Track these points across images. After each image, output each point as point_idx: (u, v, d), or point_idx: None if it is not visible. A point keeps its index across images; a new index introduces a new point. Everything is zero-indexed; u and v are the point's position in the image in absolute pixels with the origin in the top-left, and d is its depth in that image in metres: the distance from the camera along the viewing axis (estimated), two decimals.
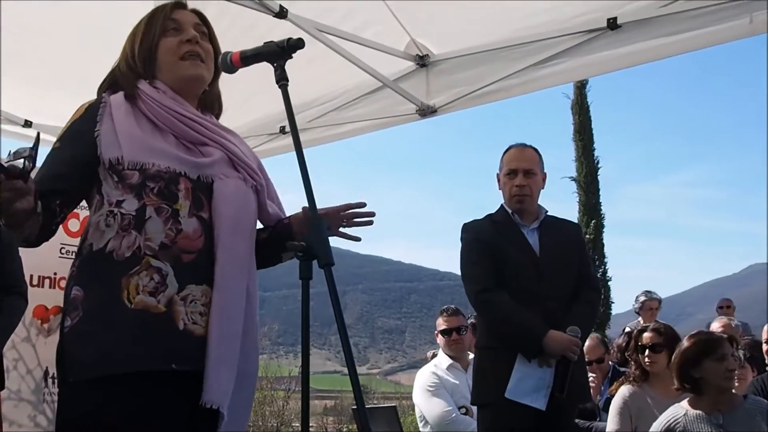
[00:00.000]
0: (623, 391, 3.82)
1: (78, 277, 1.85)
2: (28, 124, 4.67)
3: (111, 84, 2.03)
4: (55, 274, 4.61)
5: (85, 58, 3.77)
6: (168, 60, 1.99)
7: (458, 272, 3.41)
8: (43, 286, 4.58)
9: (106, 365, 1.74)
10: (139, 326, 1.76)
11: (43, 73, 4.12)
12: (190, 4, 2.14)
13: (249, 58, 1.96)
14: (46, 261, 4.04)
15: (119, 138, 1.85)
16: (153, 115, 1.92)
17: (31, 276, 4.21)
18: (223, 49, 2.09)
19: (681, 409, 3.21)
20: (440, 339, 4.63)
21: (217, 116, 2.16)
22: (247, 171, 2.00)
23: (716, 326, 5.42)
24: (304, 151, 1.88)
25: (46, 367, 4.52)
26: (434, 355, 5.02)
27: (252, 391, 1.99)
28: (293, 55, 1.92)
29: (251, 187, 2.01)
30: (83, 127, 1.90)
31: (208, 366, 1.79)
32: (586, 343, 4.69)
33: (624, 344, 5.23)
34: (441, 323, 4.64)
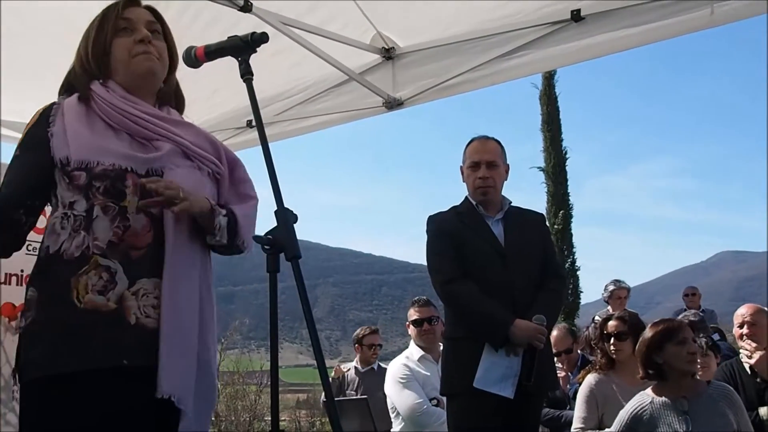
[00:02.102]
0: (590, 379, 3.87)
1: (34, 279, 1.92)
2: None
3: (68, 87, 2.05)
4: (21, 271, 4.55)
5: (50, 56, 3.73)
6: (121, 59, 2.00)
7: None
8: (10, 284, 4.51)
9: (53, 364, 1.77)
10: (88, 325, 1.79)
11: (9, 70, 4.06)
12: None
13: (213, 52, 1.97)
14: (13, 258, 3.97)
15: (68, 138, 1.88)
16: (105, 115, 1.94)
17: None
18: (187, 44, 2.09)
19: (647, 396, 3.26)
20: (412, 330, 4.66)
21: (180, 108, 2.17)
22: (200, 159, 2.00)
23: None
24: (271, 144, 1.89)
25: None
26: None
27: (214, 377, 2.00)
28: (258, 49, 1.92)
29: (207, 174, 2.01)
30: (39, 133, 1.93)
31: (160, 358, 1.80)
32: (554, 334, 4.76)
33: (592, 334, 5.32)
34: (412, 314, 4.67)
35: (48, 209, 2.01)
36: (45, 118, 1.94)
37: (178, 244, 1.90)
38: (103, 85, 1.98)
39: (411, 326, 4.67)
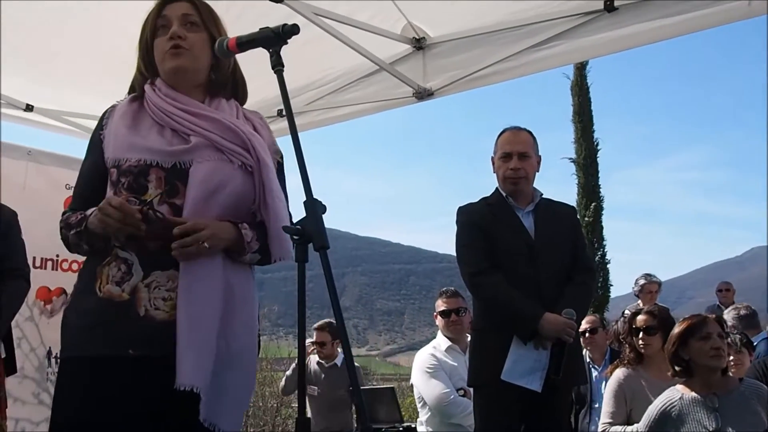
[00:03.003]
0: (618, 373, 3.84)
1: (80, 268, 2.08)
2: (29, 108, 4.69)
3: (131, 88, 2.18)
4: (57, 256, 4.65)
5: (84, 46, 3.79)
6: (157, 59, 2.10)
7: None
8: (45, 268, 4.62)
9: (74, 348, 1.92)
10: (102, 313, 1.90)
11: (43, 58, 4.13)
12: None
13: (245, 43, 1.98)
14: (49, 244, 4.07)
15: (111, 139, 2.02)
16: (152, 113, 2.05)
17: (34, 258, 4.25)
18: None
19: (676, 392, 3.23)
20: (439, 320, 4.66)
21: (239, 94, 2.22)
22: (230, 153, 2.02)
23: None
24: (301, 134, 1.90)
25: (49, 347, 4.58)
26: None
27: (246, 371, 2.02)
28: (288, 41, 1.93)
29: (238, 167, 2.02)
30: (95, 136, 2.09)
31: (177, 350, 1.84)
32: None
33: (621, 328, 5.29)
34: (440, 305, 4.66)
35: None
36: (101, 121, 2.10)
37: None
38: (150, 84, 2.10)
39: (438, 317, 4.67)
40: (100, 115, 2.14)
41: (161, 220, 1.88)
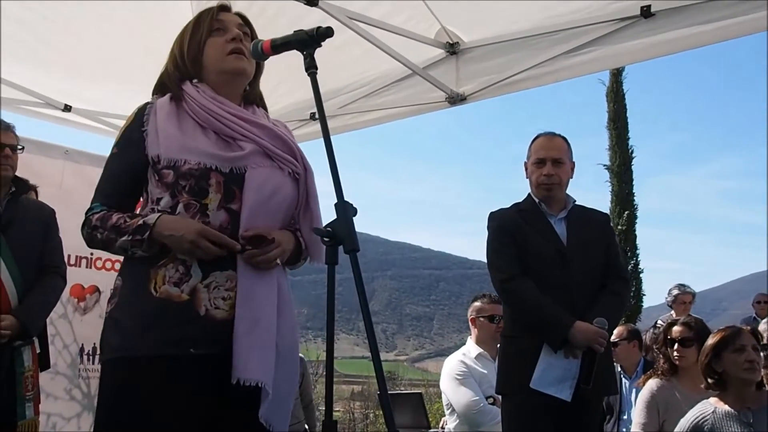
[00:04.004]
0: (651, 384, 3.79)
1: (122, 268, 2.05)
2: (67, 108, 4.78)
3: (161, 87, 2.16)
4: (91, 254, 4.72)
5: (121, 46, 3.85)
6: (214, 57, 2.11)
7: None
8: (80, 266, 4.69)
9: (130, 348, 1.89)
10: (160, 314, 1.89)
11: (82, 60, 4.21)
12: None
13: (279, 46, 2.00)
14: (84, 242, 4.14)
15: (159, 137, 1.99)
16: (194, 114, 2.04)
17: (69, 256, 4.32)
18: (254, 38, 2.15)
19: (709, 405, 3.17)
20: (479, 324, 4.53)
21: (262, 108, 2.26)
22: (281, 160, 2.07)
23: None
24: (333, 137, 1.91)
25: (82, 344, 4.65)
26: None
27: (292, 371, 2.06)
28: (322, 43, 1.94)
29: (288, 174, 2.07)
30: (134, 133, 2.05)
31: (235, 346, 1.88)
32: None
33: (653, 339, 5.21)
34: (486, 309, 4.50)
35: None
36: (140, 117, 2.06)
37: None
38: (193, 85, 2.09)
39: (479, 320, 4.55)
40: (132, 112, 2.11)
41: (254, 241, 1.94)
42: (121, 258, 2.07)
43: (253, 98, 2.23)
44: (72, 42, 4.05)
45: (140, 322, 1.90)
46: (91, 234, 2.02)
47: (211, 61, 2.10)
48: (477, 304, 4.59)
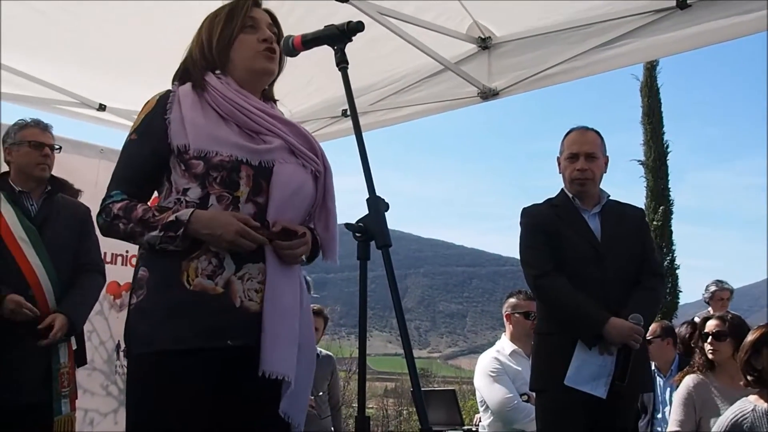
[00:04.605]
0: (687, 381, 3.73)
1: (146, 258, 1.99)
2: (102, 107, 4.85)
3: (183, 74, 2.14)
4: (126, 251, 4.78)
5: (155, 45, 3.88)
6: (245, 54, 2.09)
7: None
8: (116, 263, 4.76)
9: (164, 341, 1.87)
10: (196, 307, 1.88)
11: (116, 59, 4.26)
12: None
13: (310, 41, 2.00)
14: (119, 241, 4.21)
15: (186, 127, 1.96)
16: (217, 106, 2.01)
17: (105, 254, 4.37)
18: (286, 32, 2.15)
19: (749, 403, 3.10)
20: (514, 320, 4.49)
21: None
22: (305, 157, 2.07)
23: None
24: (365, 134, 1.91)
25: (118, 341, 4.71)
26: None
27: (310, 365, 2.07)
28: (353, 38, 1.94)
29: (310, 172, 2.08)
30: (156, 120, 2.01)
31: (264, 339, 1.89)
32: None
33: (687, 335, 5.13)
34: (522, 305, 4.47)
35: None
36: (162, 105, 2.02)
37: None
38: (217, 76, 2.07)
39: (515, 317, 4.50)
40: (152, 99, 2.07)
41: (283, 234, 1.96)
42: None
43: (271, 95, 2.24)
44: (106, 41, 4.10)
45: (174, 315, 1.88)
46: (111, 223, 1.97)
47: (241, 57, 2.09)
48: (512, 300, 4.55)
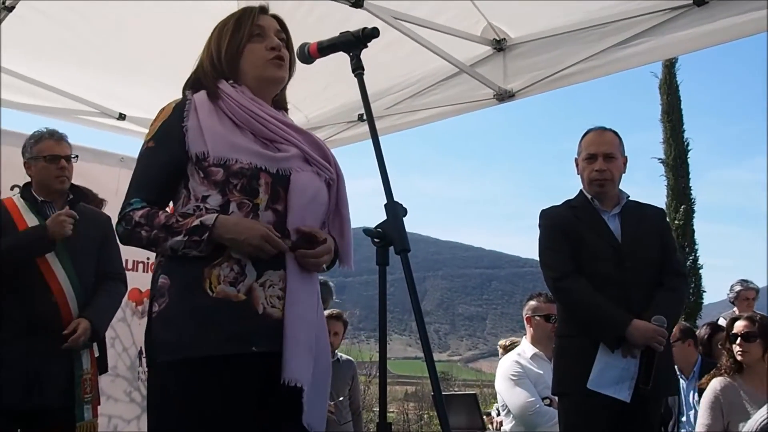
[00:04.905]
0: (715, 384, 3.67)
1: (165, 266, 1.99)
2: (122, 117, 4.90)
3: (194, 83, 2.14)
4: (147, 258, 4.82)
5: (174, 54, 3.92)
6: (254, 63, 2.09)
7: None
8: (137, 271, 4.79)
9: (189, 348, 1.87)
10: (220, 314, 1.88)
11: (135, 69, 4.30)
12: None
13: (325, 48, 2.01)
14: (139, 247, 4.24)
15: (204, 134, 1.96)
16: (232, 114, 2.01)
17: (126, 261, 4.41)
18: (302, 38, 2.15)
19: None
20: (535, 323, 4.46)
21: (286, 113, 2.26)
22: (319, 166, 2.08)
23: None
24: (382, 137, 1.92)
25: (141, 347, 4.74)
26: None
27: (327, 371, 2.07)
28: (369, 44, 1.94)
29: (324, 180, 2.09)
30: (173, 127, 2.01)
31: (285, 347, 1.89)
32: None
33: (706, 336, 5.06)
34: (543, 308, 4.43)
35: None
36: (179, 112, 2.02)
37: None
38: (231, 85, 2.07)
39: (535, 319, 4.46)
40: (168, 106, 2.07)
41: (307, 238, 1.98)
42: None
43: (283, 103, 2.24)
44: (126, 51, 4.14)
45: (199, 322, 1.88)
46: (133, 231, 1.97)
47: (250, 66, 2.09)
48: (533, 302, 4.53)
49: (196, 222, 1.90)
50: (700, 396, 4.11)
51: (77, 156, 3.53)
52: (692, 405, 4.69)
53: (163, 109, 2.08)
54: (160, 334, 1.93)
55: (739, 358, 3.64)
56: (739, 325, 3.69)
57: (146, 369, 2.06)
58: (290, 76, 2.20)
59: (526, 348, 4.50)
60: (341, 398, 4.59)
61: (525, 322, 4.56)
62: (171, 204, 2.10)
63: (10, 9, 3.34)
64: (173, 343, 1.89)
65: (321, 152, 2.12)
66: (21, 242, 3.25)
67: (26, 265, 3.23)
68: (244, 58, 2.10)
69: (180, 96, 2.13)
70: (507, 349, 5.30)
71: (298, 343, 1.91)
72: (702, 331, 5.18)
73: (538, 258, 3.35)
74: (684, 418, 4.73)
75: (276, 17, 2.19)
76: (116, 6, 3.73)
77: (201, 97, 2.04)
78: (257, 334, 1.90)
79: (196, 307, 1.89)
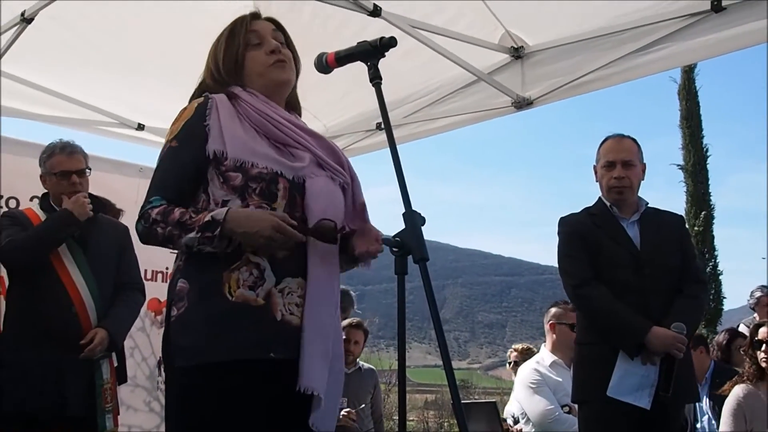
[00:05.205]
0: (737, 391, 3.64)
1: (184, 270, 1.98)
2: (140, 127, 4.94)
3: (200, 95, 2.10)
4: (166, 268, 4.85)
5: (194, 65, 3.95)
6: (257, 70, 2.08)
7: None
8: (156, 280, 4.82)
9: (207, 353, 1.86)
10: (239, 318, 1.87)
11: (153, 79, 4.34)
12: (288, 5, 2.22)
13: (343, 58, 2.01)
14: (159, 257, 4.25)
15: (224, 135, 1.95)
16: (247, 117, 2.00)
17: (146, 271, 4.44)
18: (319, 47, 2.15)
19: None
20: (558, 331, 4.45)
21: (299, 115, 2.24)
22: (333, 170, 2.07)
23: None
24: (400, 146, 1.92)
25: (160, 357, 4.77)
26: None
27: (340, 379, 2.06)
28: (386, 53, 1.95)
29: (339, 184, 2.08)
30: (196, 127, 1.98)
31: (303, 354, 1.88)
32: None
33: (725, 342, 5.01)
34: (568, 317, 4.40)
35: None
36: (201, 112, 2.00)
37: (320, 249, 1.96)
38: (246, 90, 2.06)
39: (559, 326, 4.43)
40: (190, 106, 2.04)
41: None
42: None
43: (294, 103, 2.22)
44: (145, 62, 4.19)
45: (218, 326, 1.86)
46: (150, 228, 1.94)
47: (255, 74, 2.08)
48: (557, 309, 4.51)
49: (208, 217, 1.86)
50: (713, 402, 4.07)
51: (90, 169, 3.54)
52: (705, 411, 4.65)
53: (185, 108, 2.06)
54: (179, 338, 1.91)
55: (763, 365, 3.60)
56: (764, 332, 3.65)
57: (165, 377, 2.05)
58: (297, 73, 2.18)
59: (545, 355, 4.48)
60: (363, 406, 4.59)
61: (548, 328, 4.53)
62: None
63: (30, 20, 3.38)
64: (191, 348, 1.88)
65: (334, 156, 2.11)
66: (48, 226, 3.30)
67: (51, 254, 3.28)
68: (246, 67, 2.08)
69: None
70: (522, 353, 5.27)
71: (316, 351, 1.90)
72: (720, 337, 5.13)
73: (557, 265, 3.35)
74: (699, 425, 4.68)
75: (270, 19, 2.17)
76: (136, 18, 3.78)
77: (222, 98, 2.02)
78: (275, 341, 1.89)
79: (215, 312, 1.87)
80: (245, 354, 1.86)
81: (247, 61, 2.08)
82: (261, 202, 1.93)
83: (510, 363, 5.53)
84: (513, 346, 5.63)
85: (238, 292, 1.88)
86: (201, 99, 2.04)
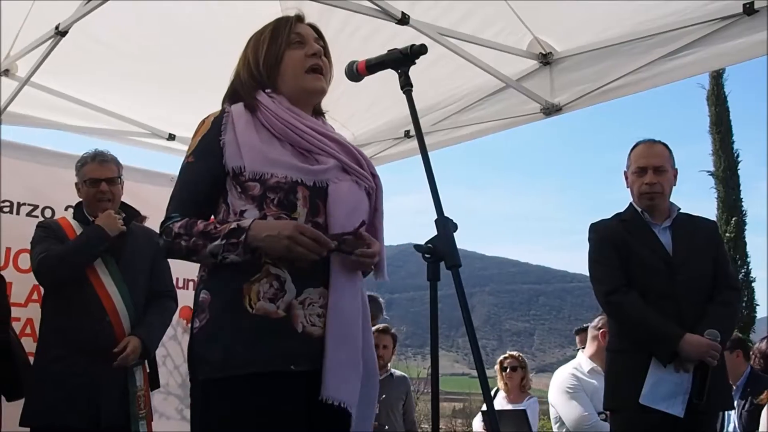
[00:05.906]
0: None
1: (207, 281, 2.00)
2: (171, 137, 5.01)
3: (233, 94, 2.13)
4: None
5: (223, 73, 4.01)
6: (293, 72, 2.08)
7: (587, 274, 3.32)
8: (188, 288, 4.85)
9: (228, 366, 1.86)
10: (260, 331, 1.86)
11: (184, 89, 4.40)
12: (317, 15, 2.23)
13: (374, 66, 2.03)
14: (191, 265, 4.28)
15: (241, 149, 1.95)
16: (269, 125, 2.00)
17: (177, 279, 4.48)
18: (348, 55, 2.16)
19: None
20: (599, 337, 4.39)
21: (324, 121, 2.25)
22: (358, 175, 2.06)
23: None
24: (430, 153, 1.91)
25: None
26: None
27: (374, 387, 2.04)
28: (416, 61, 1.96)
29: (364, 189, 2.07)
30: (212, 142, 2.00)
31: (326, 365, 1.86)
32: None
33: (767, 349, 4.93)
34: (603, 324, 4.34)
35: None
36: (217, 126, 2.01)
37: (343, 256, 1.95)
38: (268, 95, 2.05)
39: (593, 332, 4.40)
40: (207, 120, 2.06)
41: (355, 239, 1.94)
42: None
43: (320, 109, 2.22)
44: (175, 72, 4.24)
45: (240, 339, 1.86)
46: (173, 242, 1.96)
47: (290, 75, 2.07)
48: (603, 320, 4.44)
49: (233, 225, 1.88)
50: (746, 404, 3.99)
51: (121, 176, 3.59)
52: (732, 420, 4.58)
53: (203, 122, 2.07)
54: (201, 351, 1.93)
55: None
56: None
57: (190, 387, 2.05)
58: (329, 82, 2.17)
59: (582, 362, 4.43)
60: (395, 413, 4.60)
61: (599, 336, 4.43)
62: (212, 218, 2.09)
63: (63, 33, 3.44)
64: (212, 361, 1.88)
65: (359, 162, 2.10)
66: (81, 242, 3.37)
67: (85, 268, 3.34)
68: (284, 64, 2.08)
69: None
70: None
71: (340, 362, 1.88)
72: (762, 346, 5.04)
73: (586, 273, 3.33)
74: (731, 428, 4.61)
75: (312, 26, 2.17)
76: (165, 30, 3.84)
77: (239, 109, 2.03)
78: (297, 353, 1.87)
79: (235, 325, 1.87)
80: (266, 367, 1.85)
81: (286, 58, 2.08)
82: (279, 212, 1.92)
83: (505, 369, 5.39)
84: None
85: (258, 304, 1.87)
86: (217, 113, 2.06)
